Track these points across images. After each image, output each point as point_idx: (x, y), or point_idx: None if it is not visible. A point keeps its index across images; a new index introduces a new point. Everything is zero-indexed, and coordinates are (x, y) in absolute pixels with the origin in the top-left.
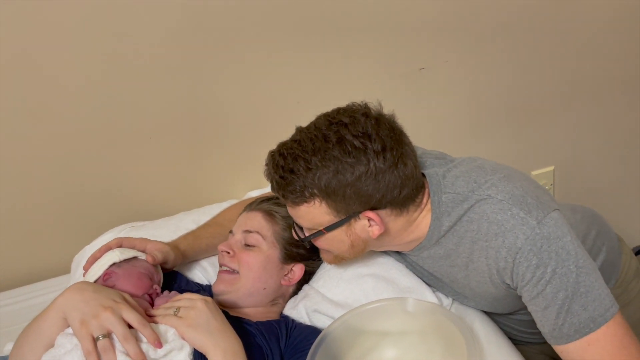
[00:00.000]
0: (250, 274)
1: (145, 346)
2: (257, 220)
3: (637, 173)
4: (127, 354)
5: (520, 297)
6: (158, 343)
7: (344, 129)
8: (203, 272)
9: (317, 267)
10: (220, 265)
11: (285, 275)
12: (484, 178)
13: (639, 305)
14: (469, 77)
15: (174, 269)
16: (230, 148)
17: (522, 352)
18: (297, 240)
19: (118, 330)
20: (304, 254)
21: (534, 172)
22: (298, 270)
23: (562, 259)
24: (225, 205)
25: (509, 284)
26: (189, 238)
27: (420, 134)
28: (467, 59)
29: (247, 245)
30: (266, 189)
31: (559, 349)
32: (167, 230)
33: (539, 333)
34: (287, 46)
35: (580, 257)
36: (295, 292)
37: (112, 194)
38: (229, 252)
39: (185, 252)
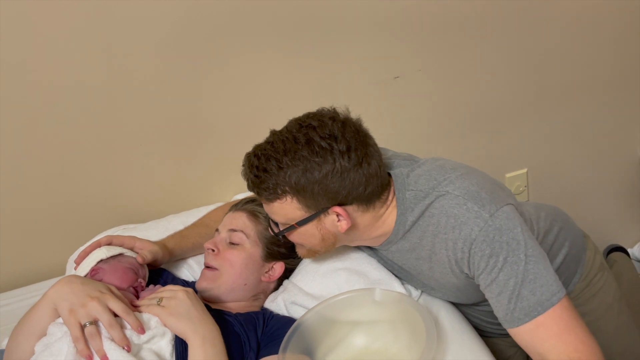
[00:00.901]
0: (232, 270)
1: (129, 332)
2: (241, 220)
3: (607, 174)
4: (113, 340)
5: (479, 286)
6: (141, 329)
7: (312, 131)
8: (189, 270)
9: (297, 264)
10: (205, 264)
11: (266, 272)
12: (443, 176)
13: (604, 297)
14: (442, 84)
15: (161, 266)
16: (217, 154)
17: (494, 344)
18: (278, 240)
19: (104, 318)
20: (285, 253)
21: (508, 175)
22: (278, 267)
23: (512, 249)
24: (212, 207)
25: (467, 274)
26: (177, 237)
27: (397, 138)
28: (440, 68)
29: (231, 243)
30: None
31: (512, 332)
32: (156, 231)
33: None
34: (269, 56)
35: (529, 247)
36: (277, 288)
37: (105, 198)
38: (213, 250)
39: (173, 250)
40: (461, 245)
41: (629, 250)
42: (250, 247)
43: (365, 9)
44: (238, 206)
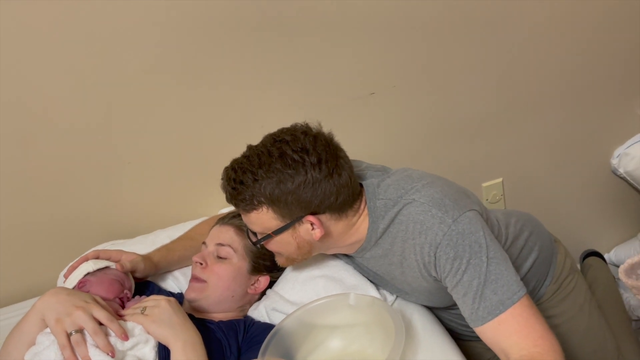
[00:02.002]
0: (220, 283)
1: (114, 339)
2: (229, 234)
3: (581, 182)
4: (97, 346)
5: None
6: (124, 336)
7: (285, 145)
8: (175, 281)
9: (280, 276)
10: (193, 275)
11: (252, 284)
12: (411, 185)
13: (575, 299)
14: (417, 99)
15: (148, 278)
16: (202, 170)
17: (472, 348)
18: (264, 253)
19: (89, 326)
20: (270, 266)
21: (484, 184)
22: (264, 280)
23: (475, 251)
24: (197, 222)
25: (435, 277)
26: (163, 251)
27: (375, 151)
28: (414, 83)
29: (219, 257)
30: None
31: (477, 330)
32: (144, 246)
33: None
34: (250, 75)
35: (491, 249)
36: (260, 297)
37: (95, 214)
38: (202, 263)
39: (159, 263)
40: (427, 249)
41: (605, 255)
42: (237, 261)
43: (341, 30)
44: (225, 220)
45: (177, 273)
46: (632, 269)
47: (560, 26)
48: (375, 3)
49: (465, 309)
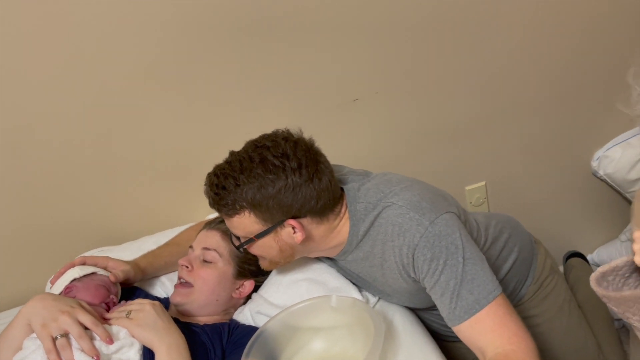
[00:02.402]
0: (205, 287)
1: (99, 343)
2: (215, 239)
3: (562, 185)
4: (83, 350)
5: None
6: (109, 340)
7: (266, 151)
8: (162, 287)
9: (264, 280)
10: (179, 278)
11: (237, 289)
12: (389, 188)
13: (555, 299)
14: (399, 105)
15: (135, 284)
16: (188, 177)
17: (457, 349)
18: (249, 258)
19: (74, 330)
20: (254, 270)
21: (467, 187)
22: (248, 285)
23: (451, 252)
24: (184, 228)
25: (414, 278)
26: (149, 256)
27: (359, 157)
28: (396, 89)
29: (204, 261)
30: None
31: (455, 329)
32: (131, 252)
33: None
34: (235, 85)
35: (467, 250)
36: (245, 302)
37: (82, 222)
38: (187, 267)
39: (145, 269)
40: (406, 251)
41: (588, 256)
42: (222, 265)
43: (324, 37)
44: (212, 225)
45: (163, 278)
46: (603, 277)
47: (542, 33)
48: (356, 10)
49: (443, 308)
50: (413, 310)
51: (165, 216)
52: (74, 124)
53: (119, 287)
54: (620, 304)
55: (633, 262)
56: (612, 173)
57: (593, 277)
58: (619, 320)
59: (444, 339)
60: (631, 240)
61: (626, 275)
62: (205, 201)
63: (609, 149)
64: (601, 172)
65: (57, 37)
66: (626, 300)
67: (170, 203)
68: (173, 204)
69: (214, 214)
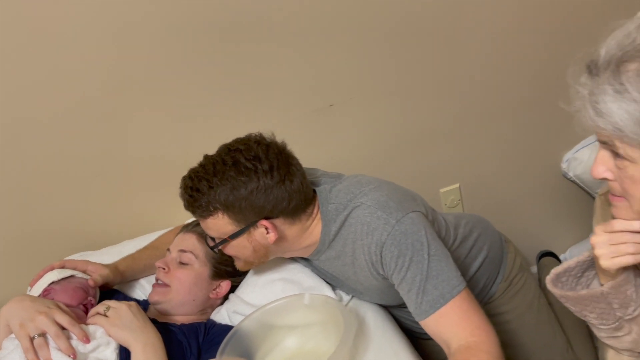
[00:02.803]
0: (181, 288)
1: (75, 342)
2: (191, 241)
3: (534, 186)
4: (59, 349)
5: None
6: (86, 339)
7: (238, 154)
8: (141, 289)
9: (241, 280)
10: (156, 279)
11: (214, 289)
12: (359, 189)
13: (525, 296)
14: (375, 109)
15: (115, 287)
16: (168, 182)
17: (428, 347)
18: (225, 259)
19: (51, 330)
20: (231, 271)
21: (442, 190)
22: (225, 285)
23: (417, 249)
24: (164, 232)
25: (383, 275)
26: (128, 260)
27: (335, 161)
28: (371, 94)
29: (181, 263)
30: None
31: (422, 324)
32: (111, 256)
33: None
34: (212, 92)
35: (432, 247)
36: (222, 302)
37: (63, 227)
38: (164, 268)
39: (124, 272)
40: (374, 249)
41: (561, 255)
42: (198, 267)
43: (300, 42)
44: (189, 228)
45: (143, 281)
46: (558, 278)
47: (513, 39)
48: (332, 16)
49: (411, 304)
50: (386, 308)
51: (145, 221)
52: (54, 131)
53: (97, 290)
54: (577, 303)
55: (584, 262)
56: (581, 174)
57: (548, 279)
58: None
59: (417, 337)
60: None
61: (578, 275)
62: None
63: (577, 151)
64: (571, 174)
65: (37, 44)
66: (583, 299)
67: (150, 208)
68: (153, 208)
69: (193, 218)
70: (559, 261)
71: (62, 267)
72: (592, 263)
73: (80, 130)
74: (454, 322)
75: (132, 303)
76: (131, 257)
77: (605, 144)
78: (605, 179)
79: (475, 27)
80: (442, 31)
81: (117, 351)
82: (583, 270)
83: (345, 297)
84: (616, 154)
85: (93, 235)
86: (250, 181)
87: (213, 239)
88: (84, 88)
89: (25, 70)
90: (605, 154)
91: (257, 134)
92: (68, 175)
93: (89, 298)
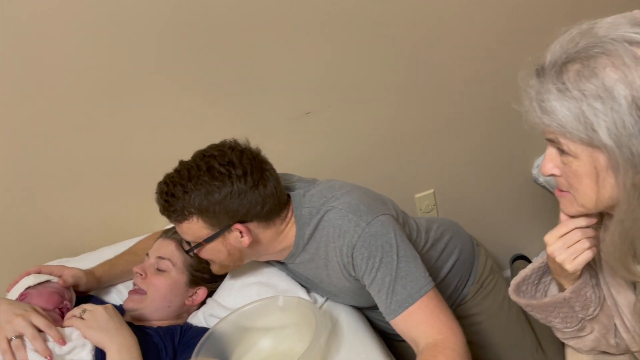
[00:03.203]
0: (157, 294)
1: (52, 344)
2: (170, 248)
3: (506, 192)
4: (36, 351)
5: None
6: (62, 341)
7: (213, 159)
8: (118, 295)
9: (217, 287)
10: (133, 285)
11: (190, 296)
12: (332, 193)
13: (495, 297)
14: (350, 117)
15: (91, 292)
16: (146, 188)
17: (403, 348)
18: (203, 267)
19: (27, 332)
20: (208, 278)
21: (417, 195)
22: (201, 293)
23: (386, 251)
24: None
25: (354, 276)
26: (105, 265)
27: (313, 167)
28: (346, 102)
29: (158, 269)
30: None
31: (392, 323)
32: (89, 262)
33: None
34: (190, 98)
35: (401, 249)
36: (199, 308)
37: (40, 233)
38: (141, 274)
39: (101, 277)
40: (345, 250)
41: (533, 259)
42: (176, 274)
43: (278, 50)
44: (168, 234)
45: (120, 286)
46: (519, 288)
47: (484, 49)
48: (307, 26)
49: (381, 304)
50: (359, 310)
51: (123, 227)
52: (29, 135)
53: (73, 294)
54: (542, 310)
55: (539, 269)
56: (551, 179)
57: (510, 290)
58: None
59: (391, 338)
60: None
61: (535, 282)
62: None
63: None
64: (541, 179)
65: (10, 43)
66: (547, 307)
67: (127, 214)
68: (131, 215)
69: (171, 225)
70: None
71: (38, 273)
72: (547, 269)
73: (56, 136)
74: (421, 321)
75: (109, 305)
76: (109, 262)
77: (552, 142)
78: (553, 175)
79: (449, 36)
80: (417, 40)
81: (93, 353)
82: (539, 276)
83: (320, 300)
84: (562, 151)
85: (71, 241)
86: (224, 186)
87: (188, 243)
88: (57, 92)
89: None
90: (552, 152)
91: (231, 140)
92: (45, 182)
93: (65, 302)
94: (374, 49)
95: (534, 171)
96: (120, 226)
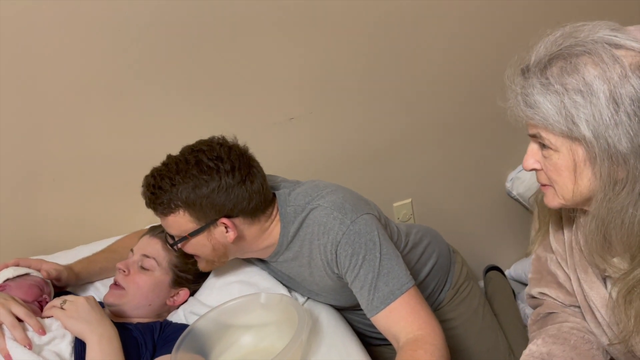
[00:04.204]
0: (138, 292)
1: (31, 334)
2: (156, 247)
3: (480, 204)
4: (15, 339)
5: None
6: (42, 331)
7: (201, 154)
8: (96, 292)
9: (199, 288)
10: (114, 281)
11: (171, 297)
12: (317, 192)
13: (470, 303)
14: (332, 124)
15: (68, 289)
16: (127, 187)
17: (381, 353)
18: (188, 268)
19: (7, 320)
20: (192, 279)
21: (395, 204)
22: (183, 294)
23: (369, 248)
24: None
25: (337, 274)
26: (84, 262)
27: (294, 171)
28: (329, 110)
29: (142, 267)
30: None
31: (373, 320)
32: (65, 261)
33: None
34: (173, 100)
35: (384, 247)
36: (179, 306)
37: (16, 230)
38: (124, 271)
39: (80, 273)
40: (330, 247)
41: (506, 271)
42: (160, 274)
43: (262, 55)
44: (155, 232)
45: (98, 284)
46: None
47: (463, 62)
48: (292, 32)
49: (363, 301)
50: (340, 312)
51: (100, 226)
52: (9, 130)
53: (52, 288)
54: None
55: None
56: (524, 192)
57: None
58: None
59: (368, 342)
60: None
61: None
62: (140, 212)
63: (520, 171)
64: (514, 192)
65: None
66: None
67: (104, 213)
68: (108, 214)
69: (148, 225)
70: (504, 276)
71: (17, 265)
72: None
73: (32, 132)
74: (402, 317)
75: (90, 297)
76: (87, 259)
77: (534, 137)
78: (534, 170)
79: (428, 48)
80: (399, 51)
81: (73, 344)
82: None
83: (301, 299)
84: (543, 145)
85: (46, 239)
86: (212, 180)
87: (172, 237)
88: (37, 91)
89: None
90: (534, 147)
91: (220, 136)
92: (20, 178)
93: (44, 296)
94: (358, 58)
95: (508, 184)
96: (96, 225)
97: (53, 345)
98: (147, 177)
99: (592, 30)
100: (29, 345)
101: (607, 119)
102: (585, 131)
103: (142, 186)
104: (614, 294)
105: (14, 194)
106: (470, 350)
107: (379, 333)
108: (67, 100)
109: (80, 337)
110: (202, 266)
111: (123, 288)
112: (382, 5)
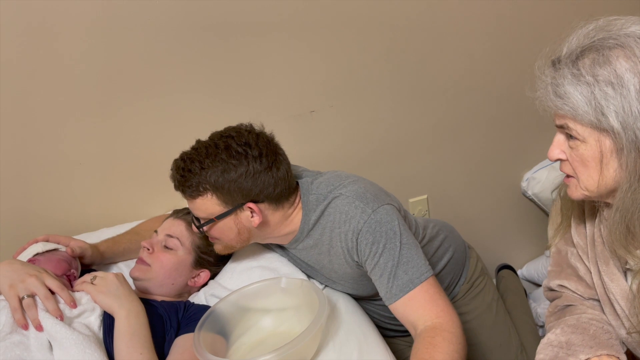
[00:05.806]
0: (162, 271)
1: (63, 306)
2: (180, 228)
3: (495, 203)
4: (47, 311)
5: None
6: (73, 304)
7: (230, 139)
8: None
9: (219, 271)
10: (139, 258)
11: (193, 277)
12: (339, 182)
13: (484, 297)
14: (352, 119)
15: (93, 267)
16: (149, 173)
17: (395, 345)
18: (210, 250)
19: (40, 292)
20: (212, 261)
21: (411, 200)
22: (204, 275)
23: (390, 237)
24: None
25: (357, 262)
26: (109, 242)
27: (313, 163)
28: (349, 104)
29: (166, 247)
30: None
31: (391, 307)
32: (89, 240)
33: None
34: (197, 91)
35: (404, 237)
36: (200, 288)
37: (43, 212)
38: (149, 249)
39: (104, 253)
40: (351, 235)
41: (518, 271)
42: (182, 253)
43: (284, 51)
44: (179, 214)
45: (121, 264)
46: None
47: (483, 62)
48: (314, 26)
49: (382, 288)
50: (357, 301)
51: (123, 211)
52: (37, 120)
53: (79, 264)
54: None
55: None
56: (539, 193)
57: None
58: (542, 326)
59: (383, 334)
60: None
61: None
62: (164, 198)
63: (536, 171)
64: (530, 192)
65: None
66: None
67: (130, 198)
68: (133, 198)
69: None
70: (517, 275)
71: (46, 241)
72: None
73: (63, 120)
74: (420, 305)
75: (119, 273)
76: (112, 239)
77: (561, 127)
78: (559, 160)
79: (450, 47)
80: (417, 49)
81: (102, 317)
82: None
83: (319, 287)
84: (569, 136)
85: (71, 221)
86: (241, 165)
87: (198, 220)
88: (69, 82)
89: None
90: (560, 138)
91: (247, 124)
92: (49, 162)
93: (72, 270)
94: (378, 56)
95: (523, 184)
96: (120, 209)
97: (83, 318)
98: (176, 160)
99: (625, 25)
100: (61, 316)
101: (637, 111)
102: (614, 122)
103: (171, 170)
104: (634, 287)
105: (40, 176)
106: (482, 344)
107: (394, 324)
108: (96, 87)
109: (109, 311)
110: (219, 249)
111: (148, 264)
112: (406, 3)
